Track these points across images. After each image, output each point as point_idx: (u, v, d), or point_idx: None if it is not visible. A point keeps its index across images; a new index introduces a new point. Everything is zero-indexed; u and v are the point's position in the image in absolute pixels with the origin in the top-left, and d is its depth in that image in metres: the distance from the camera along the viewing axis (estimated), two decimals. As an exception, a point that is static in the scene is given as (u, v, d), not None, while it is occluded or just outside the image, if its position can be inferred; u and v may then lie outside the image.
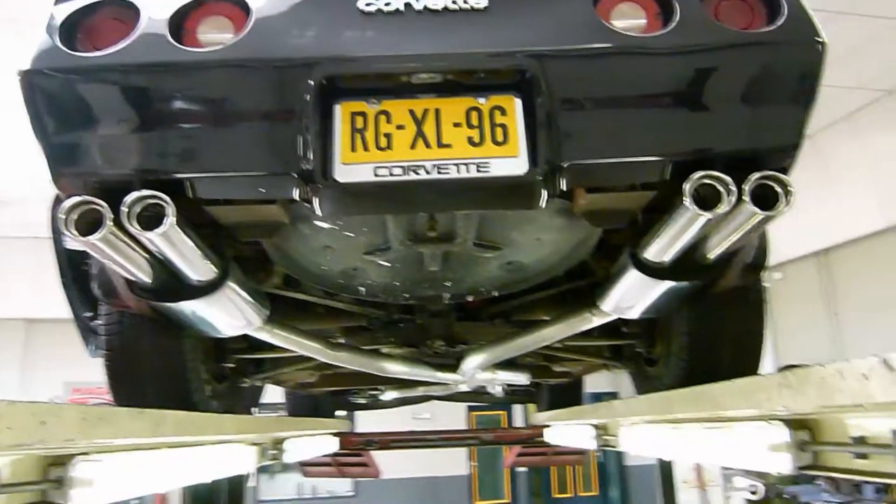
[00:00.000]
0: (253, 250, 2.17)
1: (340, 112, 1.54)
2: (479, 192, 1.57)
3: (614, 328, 2.85)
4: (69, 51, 1.52)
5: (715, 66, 1.57)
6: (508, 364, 3.18)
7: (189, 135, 1.53)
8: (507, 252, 2.19)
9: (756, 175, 1.51)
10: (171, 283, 1.82)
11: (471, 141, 1.53)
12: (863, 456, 1.55)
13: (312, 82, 1.50)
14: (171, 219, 1.47)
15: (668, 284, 1.89)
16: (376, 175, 1.51)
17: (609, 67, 1.56)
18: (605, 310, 2.26)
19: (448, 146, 1.53)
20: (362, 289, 2.37)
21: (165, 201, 1.48)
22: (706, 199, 1.52)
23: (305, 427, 4.44)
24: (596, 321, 2.40)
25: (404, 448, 6.61)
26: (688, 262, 1.84)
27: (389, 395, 4.65)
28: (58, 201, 3.34)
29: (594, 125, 1.56)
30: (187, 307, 1.89)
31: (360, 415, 6.71)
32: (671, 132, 1.56)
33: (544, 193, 1.56)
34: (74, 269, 2.63)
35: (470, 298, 2.48)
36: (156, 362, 2.21)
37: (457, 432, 6.98)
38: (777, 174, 1.51)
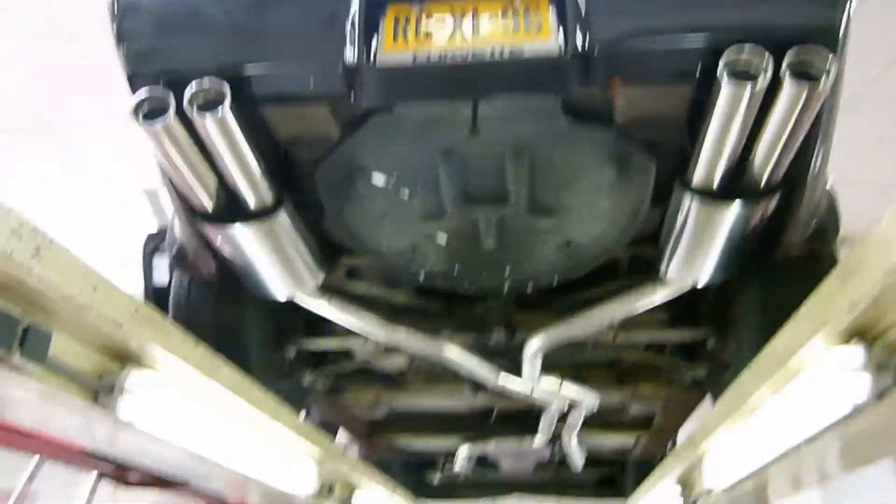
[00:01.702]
0: (318, 236, 2.25)
1: (386, 12, 1.66)
2: (513, 73, 1.62)
3: (685, 314, 2.74)
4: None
5: None
6: (576, 378, 3.06)
7: (246, 30, 1.68)
8: (562, 224, 2.18)
9: (795, 48, 1.49)
10: (227, 206, 1.92)
11: (506, 30, 1.62)
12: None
13: None
14: (227, 100, 1.59)
15: (727, 211, 1.84)
16: (415, 60, 1.60)
17: None
18: (668, 276, 2.18)
19: (483, 37, 1.61)
20: (422, 274, 2.39)
21: (222, 87, 1.61)
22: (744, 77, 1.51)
23: (379, 482, 4.32)
24: (660, 294, 2.32)
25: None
26: (743, 181, 1.79)
27: (462, 454, 4.46)
28: (148, 241, 3.62)
29: (621, 12, 1.61)
30: (240, 238, 1.97)
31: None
32: (698, 8, 1.59)
33: (578, 76, 1.59)
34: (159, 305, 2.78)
35: (529, 287, 2.44)
36: (219, 335, 2.26)
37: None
38: (816, 46, 1.49)
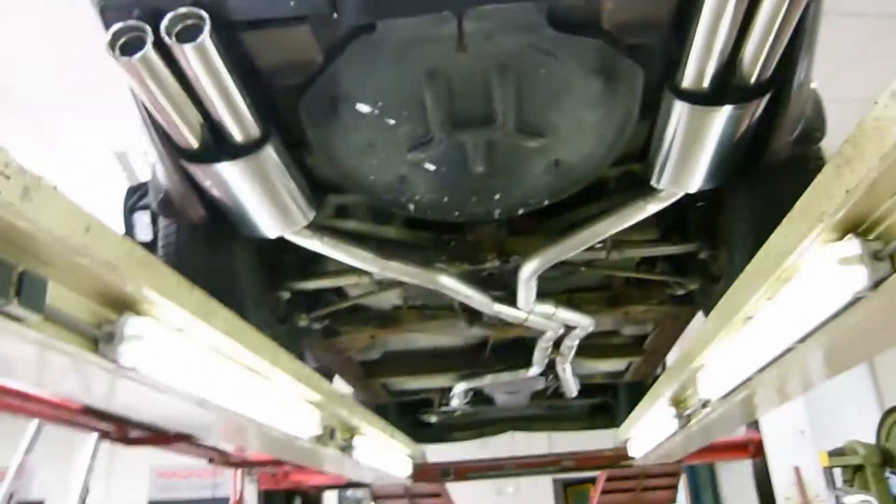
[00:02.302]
0: (305, 174, 2.22)
1: (364, -75, 1.61)
2: None
3: (675, 230, 2.77)
4: None
5: None
6: (569, 304, 3.09)
7: None
8: (551, 144, 2.16)
9: None
10: (213, 143, 1.88)
11: (490, -68, 1.57)
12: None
13: None
14: (206, 28, 1.54)
15: (718, 115, 1.83)
16: None
17: None
18: (658, 185, 2.19)
19: (467, -61, 1.58)
20: (411, 206, 2.37)
21: (201, 16, 1.55)
22: None
23: (378, 427, 4.36)
24: (651, 207, 2.33)
25: (482, 478, 6.44)
26: (732, 83, 1.78)
27: (458, 389, 4.52)
28: (128, 196, 3.56)
29: None
30: (228, 176, 1.94)
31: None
32: None
33: None
34: None
35: (521, 212, 2.43)
36: (212, 281, 2.23)
37: (536, 458, 6.74)
38: None
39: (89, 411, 2.67)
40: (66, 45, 5.69)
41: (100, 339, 1.74)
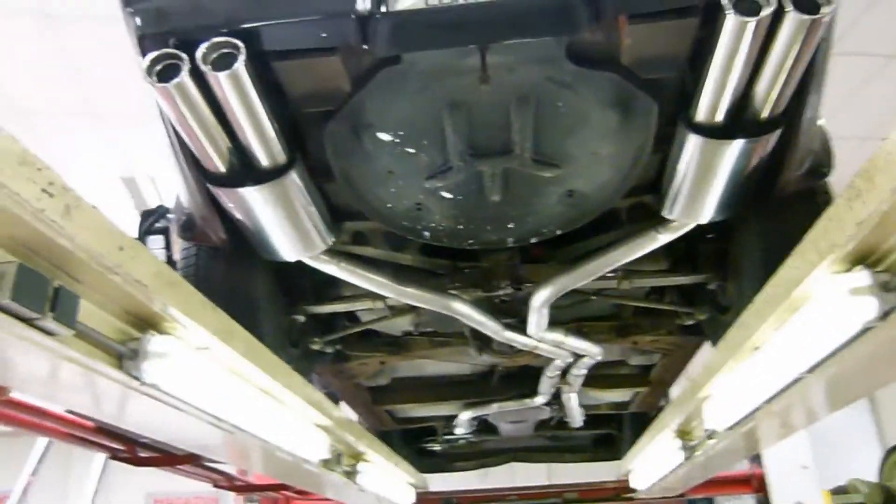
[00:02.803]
0: (326, 202, 2.28)
1: (395, -36, 1.69)
2: (523, 14, 1.65)
3: (685, 260, 2.82)
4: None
5: None
6: (579, 333, 3.12)
7: None
8: (566, 174, 2.22)
9: None
10: (240, 168, 1.94)
11: (514, -24, 1.65)
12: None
13: None
14: (241, 58, 1.60)
15: (730, 149, 1.89)
16: (427, 4, 1.63)
17: None
18: (670, 216, 2.24)
19: (493, -17, 1.65)
20: (427, 233, 2.42)
21: (236, 46, 1.62)
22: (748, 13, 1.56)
23: (383, 454, 4.37)
24: (662, 238, 2.38)
25: (484, 508, 6.39)
26: (745, 118, 1.84)
27: (464, 417, 4.53)
28: (143, 219, 3.62)
29: None
30: (253, 200, 1.99)
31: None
32: None
33: (587, 14, 1.62)
34: None
35: (534, 240, 2.48)
36: (230, 303, 2.27)
37: (538, 489, 6.71)
38: None
39: (101, 430, 2.69)
40: (75, 66, 5.81)
41: (124, 356, 1.77)
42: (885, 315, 1.69)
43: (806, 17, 1.54)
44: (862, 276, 1.71)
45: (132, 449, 2.93)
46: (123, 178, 7.83)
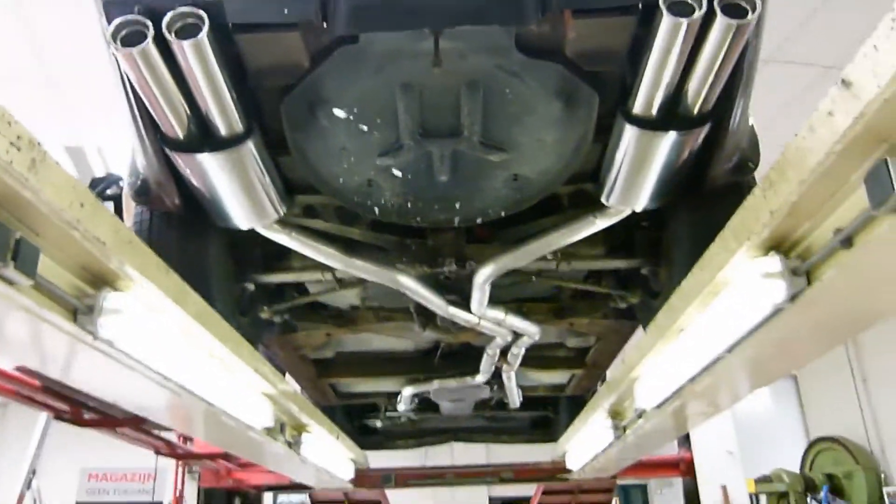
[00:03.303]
0: (280, 175, 2.35)
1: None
2: (475, 4, 1.75)
3: (621, 247, 2.98)
4: None
5: None
6: (519, 312, 3.26)
7: None
8: (511, 159, 2.33)
9: None
10: (198, 134, 2.00)
11: (467, -36, 1.75)
12: (847, 244, 1.62)
13: None
14: (205, 28, 1.67)
15: (663, 141, 2.03)
16: None
17: None
18: (608, 202, 2.38)
19: (447, -31, 1.75)
20: (377, 209, 2.51)
21: (200, 16, 1.68)
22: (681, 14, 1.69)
23: (325, 427, 4.45)
24: (600, 223, 2.52)
25: (422, 485, 6.55)
26: (677, 112, 1.98)
27: (406, 394, 4.65)
28: (92, 186, 3.61)
29: None
30: (209, 167, 2.06)
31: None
32: None
33: (535, 6, 1.73)
34: None
35: (479, 221, 2.60)
36: (182, 267, 2.32)
37: (476, 468, 6.89)
38: None
39: (48, 390, 2.72)
40: (30, 31, 5.71)
41: (79, 311, 1.83)
42: (792, 297, 1.86)
43: (733, 21, 1.68)
44: (774, 262, 1.87)
45: (77, 411, 2.97)
46: (68, 147, 7.70)
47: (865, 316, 2.14)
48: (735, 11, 1.69)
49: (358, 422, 6.07)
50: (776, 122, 6.52)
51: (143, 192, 2.42)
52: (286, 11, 1.76)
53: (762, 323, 2.04)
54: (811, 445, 12.88)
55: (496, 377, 4.40)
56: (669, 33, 1.73)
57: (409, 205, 2.50)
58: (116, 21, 1.70)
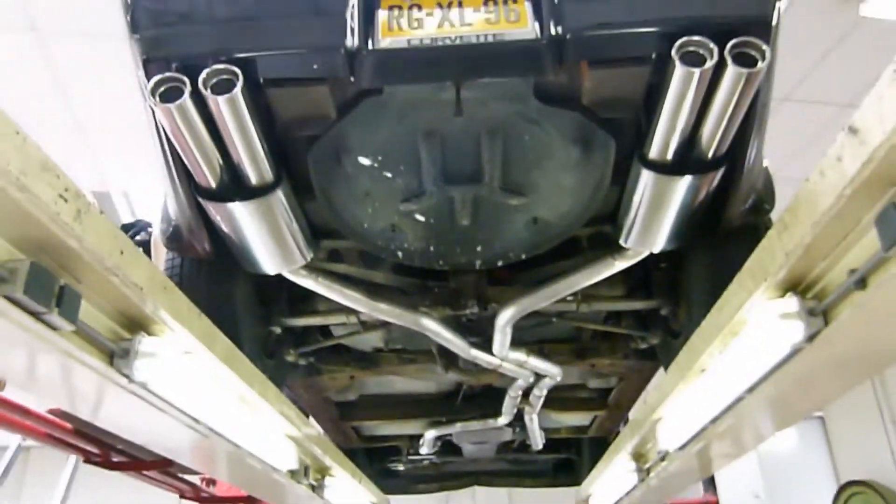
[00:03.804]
0: (307, 220, 2.43)
1: (380, 4, 1.87)
2: (495, 56, 1.84)
3: (640, 287, 3.02)
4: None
5: None
6: (540, 353, 3.29)
7: (256, 19, 1.87)
8: (531, 203, 2.40)
9: (735, 39, 1.75)
10: (230, 184, 2.09)
11: (488, 21, 1.84)
12: (861, 286, 1.66)
13: None
14: (238, 84, 1.77)
15: (679, 184, 2.09)
16: (409, 43, 1.81)
17: None
18: (626, 244, 2.43)
19: (469, 24, 1.84)
20: (400, 253, 2.58)
21: (235, 73, 1.78)
22: (693, 64, 1.76)
23: (348, 470, 4.46)
24: (619, 264, 2.56)
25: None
26: (692, 156, 2.05)
27: (429, 436, 4.66)
28: (123, 231, 3.73)
29: (587, 8, 1.86)
30: (240, 215, 2.14)
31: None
32: (653, 6, 1.85)
33: (552, 58, 1.82)
34: None
35: (500, 263, 2.65)
36: (211, 309, 2.40)
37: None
38: (753, 39, 1.75)
39: (79, 433, 2.79)
40: (60, 80, 5.91)
41: (116, 354, 1.90)
42: (810, 338, 1.89)
43: (743, 69, 1.75)
44: (791, 302, 1.90)
45: (106, 453, 3.02)
46: (96, 192, 7.89)
47: (884, 355, 2.15)
48: (746, 60, 1.76)
49: (380, 465, 6.05)
50: (794, 160, 6.56)
51: (175, 239, 2.51)
52: (315, 67, 1.86)
53: (782, 363, 2.07)
54: (842, 489, 12.55)
55: (518, 419, 4.41)
56: (682, 82, 1.80)
57: (431, 248, 2.57)
58: (156, 78, 1.80)
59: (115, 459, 3.08)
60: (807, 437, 13.74)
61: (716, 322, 2.29)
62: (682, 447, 3.21)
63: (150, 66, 1.85)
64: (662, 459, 3.61)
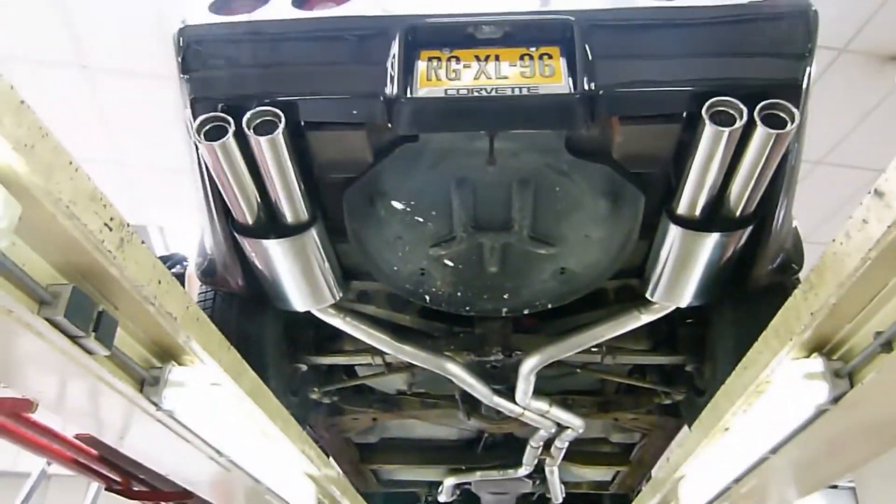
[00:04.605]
0: (338, 260, 2.49)
1: (420, 55, 1.94)
2: (529, 109, 1.89)
3: (666, 343, 3.01)
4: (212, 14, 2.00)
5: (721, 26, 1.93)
6: (563, 404, 3.28)
7: (299, 65, 1.95)
8: (559, 253, 2.43)
9: (764, 101, 1.79)
10: (266, 221, 2.15)
11: (523, 74, 1.90)
12: (887, 348, 1.65)
13: (400, 35, 1.92)
14: (280, 126, 1.84)
15: (707, 241, 2.10)
16: (446, 93, 1.87)
17: (627, 29, 1.95)
18: (653, 298, 2.44)
19: (505, 77, 1.89)
20: (428, 297, 2.61)
21: (277, 115, 1.86)
22: (723, 123, 1.80)
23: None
24: (644, 318, 2.57)
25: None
26: (720, 214, 2.07)
27: (448, 483, 4.62)
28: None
29: (620, 65, 1.91)
30: (274, 252, 2.20)
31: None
32: (686, 63, 1.90)
33: (584, 113, 1.86)
34: None
35: (526, 312, 2.67)
36: (240, 343, 2.44)
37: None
38: (782, 101, 1.79)
39: (103, 460, 2.82)
40: (104, 117, 6.14)
41: (147, 382, 1.95)
42: (835, 399, 1.88)
43: (773, 131, 1.78)
44: (816, 363, 1.90)
45: (127, 481, 3.04)
46: (133, 225, 8.08)
47: (912, 421, 2.12)
48: (775, 122, 1.79)
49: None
50: (827, 223, 6.52)
51: (209, 273, 2.58)
52: (355, 112, 1.93)
53: (806, 424, 2.05)
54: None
55: (539, 471, 4.36)
56: (712, 141, 1.83)
57: (458, 294, 2.60)
58: (202, 117, 1.88)
59: (135, 489, 3.09)
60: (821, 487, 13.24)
61: (740, 380, 2.28)
62: (705, 507, 3.15)
63: (196, 105, 1.94)
64: (685, 517, 3.55)
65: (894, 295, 1.57)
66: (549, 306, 2.62)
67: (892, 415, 2.03)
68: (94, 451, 2.76)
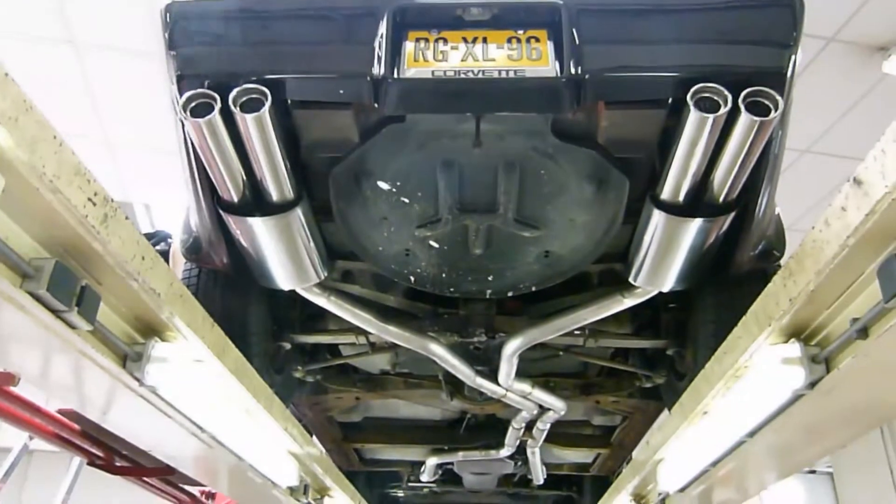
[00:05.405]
0: (323, 240, 2.49)
1: (408, 36, 1.94)
2: (516, 91, 1.90)
3: (648, 327, 3.04)
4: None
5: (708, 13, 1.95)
6: (546, 386, 3.31)
7: (286, 44, 1.95)
8: (544, 236, 2.44)
9: (749, 89, 1.80)
10: (252, 199, 2.15)
11: (510, 57, 1.90)
12: (863, 335, 1.68)
13: (388, 15, 1.92)
14: (267, 104, 1.83)
15: (690, 226, 2.12)
16: (433, 74, 1.88)
17: (614, 14, 1.96)
18: (635, 283, 2.46)
19: (492, 60, 1.90)
20: (413, 277, 2.62)
21: (264, 93, 1.85)
22: (708, 110, 1.81)
23: (348, 493, 4.47)
24: (627, 302, 2.59)
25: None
26: (703, 200, 2.09)
27: (430, 463, 4.66)
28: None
29: (607, 50, 1.93)
30: (259, 230, 2.20)
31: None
32: (672, 49, 1.91)
33: (570, 97, 1.87)
34: None
35: (510, 294, 2.69)
36: (224, 321, 2.44)
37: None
38: (766, 89, 1.80)
39: (86, 435, 2.83)
40: (92, 93, 6.08)
41: (129, 357, 1.95)
42: (812, 384, 1.91)
43: (756, 118, 1.79)
44: (794, 349, 1.93)
45: (110, 457, 3.06)
46: (119, 202, 8.02)
47: (887, 407, 2.16)
48: (759, 109, 1.80)
49: (379, 490, 6.05)
50: (812, 212, 6.58)
51: (194, 250, 2.58)
52: (342, 92, 1.92)
53: (783, 408, 2.09)
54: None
55: (521, 452, 4.41)
56: (696, 127, 1.84)
57: (443, 275, 2.61)
58: (188, 93, 1.87)
59: (118, 464, 3.11)
60: (815, 493, 13.51)
61: (719, 365, 2.31)
62: (683, 489, 3.20)
63: (183, 82, 1.93)
64: (663, 501, 3.60)
65: (871, 282, 1.58)
66: (533, 289, 2.64)
67: (866, 400, 2.07)
68: (76, 427, 2.77)
